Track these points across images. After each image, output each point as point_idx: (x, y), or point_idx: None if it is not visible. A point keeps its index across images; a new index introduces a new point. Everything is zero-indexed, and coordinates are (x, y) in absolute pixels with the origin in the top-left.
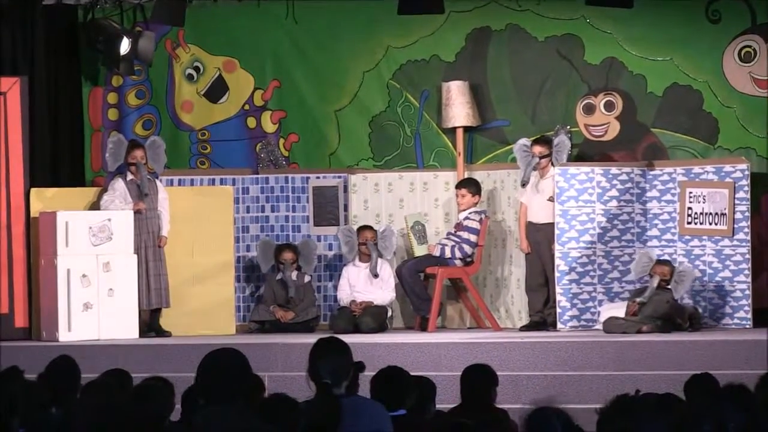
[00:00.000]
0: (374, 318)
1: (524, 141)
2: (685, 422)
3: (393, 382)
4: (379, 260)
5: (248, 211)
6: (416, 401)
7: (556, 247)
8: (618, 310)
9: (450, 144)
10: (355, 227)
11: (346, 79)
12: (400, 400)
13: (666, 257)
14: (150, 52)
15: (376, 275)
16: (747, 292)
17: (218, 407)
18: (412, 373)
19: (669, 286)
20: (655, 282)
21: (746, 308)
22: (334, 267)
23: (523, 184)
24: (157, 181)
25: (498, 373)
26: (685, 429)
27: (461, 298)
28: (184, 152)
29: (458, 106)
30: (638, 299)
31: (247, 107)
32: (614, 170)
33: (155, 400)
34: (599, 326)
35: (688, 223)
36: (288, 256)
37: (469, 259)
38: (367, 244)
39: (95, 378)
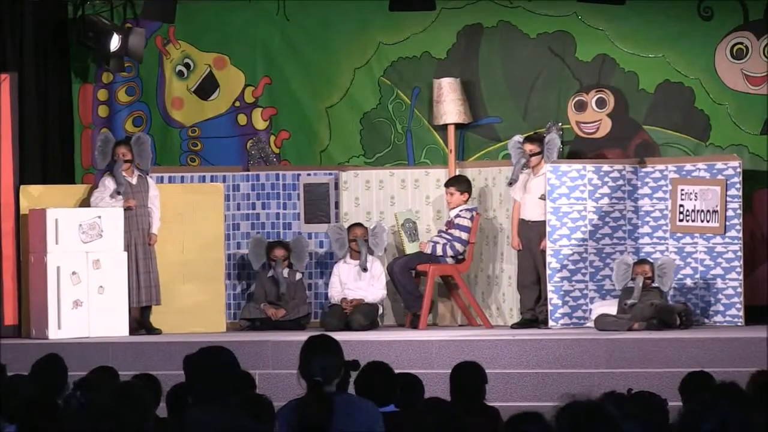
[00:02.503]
0: (365, 315)
1: (519, 138)
2: (682, 421)
3: (378, 377)
4: (370, 257)
5: (239, 209)
6: (406, 398)
7: (548, 244)
8: (610, 307)
9: (441, 141)
10: (346, 225)
11: (338, 75)
12: (386, 396)
13: (657, 255)
14: (140, 48)
15: (365, 269)
16: (739, 289)
17: (208, 406)
18: (402, 371)
19: (655, 284)
20: (640, 282)
21: (738, 305)
22: (325, 264)
23: (510, 183)
24: (149, 178)
25: (489, 370)
26: (682, 428)
27: (452, 296)
28: (174, 149)
29: (449, 103)
30: (628, 302)
31: (237, 104)
32: (606, 167)
33: (136, 398)
34: (591, 324)
35: (680, 220)
36: (279, 253)
37: (460, 257)
38: (357, 240)
39: (84, 375)
